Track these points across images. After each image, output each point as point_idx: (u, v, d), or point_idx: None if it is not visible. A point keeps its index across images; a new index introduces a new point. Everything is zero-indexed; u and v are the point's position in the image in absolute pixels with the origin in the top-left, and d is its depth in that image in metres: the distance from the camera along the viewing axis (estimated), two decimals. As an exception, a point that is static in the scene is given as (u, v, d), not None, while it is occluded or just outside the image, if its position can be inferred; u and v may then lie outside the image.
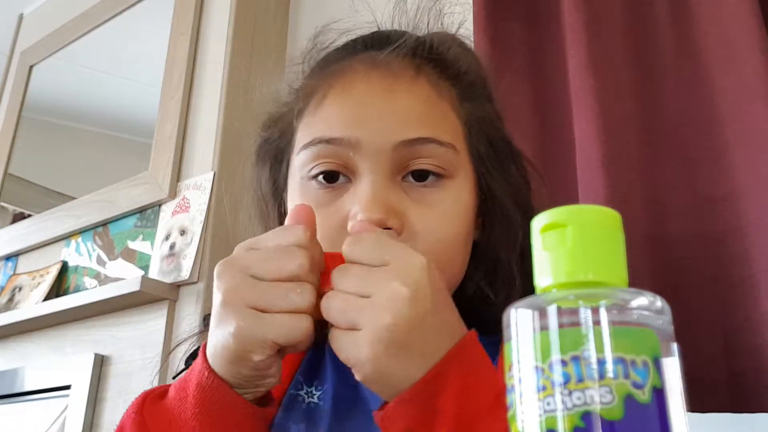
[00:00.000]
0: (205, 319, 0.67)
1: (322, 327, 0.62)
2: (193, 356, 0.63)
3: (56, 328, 1.53)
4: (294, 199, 0.59)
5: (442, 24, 0.65)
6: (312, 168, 0.57)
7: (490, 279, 0.60)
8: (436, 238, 0.55)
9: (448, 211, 0.56)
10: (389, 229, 0.53)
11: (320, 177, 0.57)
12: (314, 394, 0.57)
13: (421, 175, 0.56)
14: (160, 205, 1.47)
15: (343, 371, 0.58)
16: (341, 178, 0.56)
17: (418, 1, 0.65)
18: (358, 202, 0.54)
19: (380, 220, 0.53)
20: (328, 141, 0.56)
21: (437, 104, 0.59)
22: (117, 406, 1.31)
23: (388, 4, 0.66)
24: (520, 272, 0.59)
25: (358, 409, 0.55)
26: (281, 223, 0.63)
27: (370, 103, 0.57)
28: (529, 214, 0.61)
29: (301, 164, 0.58)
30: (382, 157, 0.55)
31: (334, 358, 0.59)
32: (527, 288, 0.58)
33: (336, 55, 0.63)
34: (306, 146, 0.57)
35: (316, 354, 0.61)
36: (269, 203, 0.66)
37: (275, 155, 0.64)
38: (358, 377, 0.44)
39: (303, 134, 0.59)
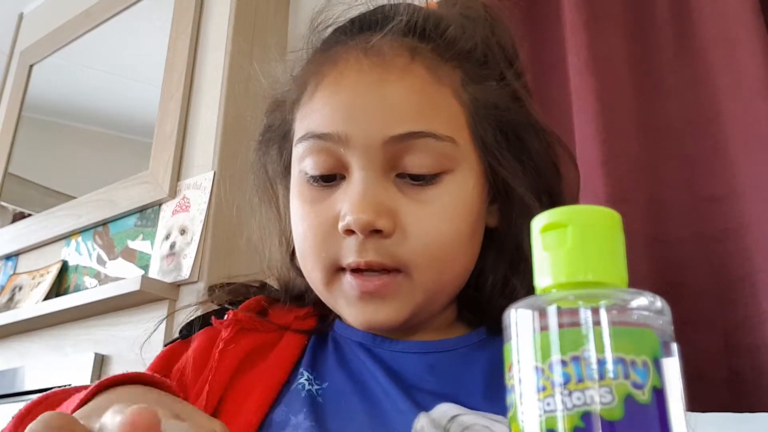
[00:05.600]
0: (210, 289, 0.66)
1: (326, 316, 0.62)
2: (188, 326, 0.62)
3: (56, 328, 1.53)
4: (293, 190, 0.58)
5: None
6: (306, 163, 0.56)
7: (514, 268, 0.58)
8: (433, 238, 0.52)
9: (446, 207, 0.53)
10: (379, 231, 0.51)
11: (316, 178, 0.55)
12: (314, 384, 0.55)
13: (416, 175, 0.53)
14: (160, 205, 1.47)
15: (345, 366, 0.57)
16: (336, 177, 0.55)
17: None
18: (348, 200, 0.52)
19: (368, 222, 0.51)
20: (319, 136, 0.54)
21: (435, 92, 0.54)
22: (117, 406, 1.31)
23: None
24: None
25: (361, 406, 0.53)
26: (287, 205, 0.61)
27: (360, 96, 0.54)
28: (554, 198, 0.58)
29: (298, 157, 0.57)
30: (373, 154, 0.52)
31: (337, 351, 0.59)
32: None
33: (330, 40, 0.60)
34: (300, 140, 0.56)
35: (319, 342, 0.59)
36: (277, 186, 0.65)
37: (279, 141, 0.63)
38: None
39: (299, 125, 0.58)
